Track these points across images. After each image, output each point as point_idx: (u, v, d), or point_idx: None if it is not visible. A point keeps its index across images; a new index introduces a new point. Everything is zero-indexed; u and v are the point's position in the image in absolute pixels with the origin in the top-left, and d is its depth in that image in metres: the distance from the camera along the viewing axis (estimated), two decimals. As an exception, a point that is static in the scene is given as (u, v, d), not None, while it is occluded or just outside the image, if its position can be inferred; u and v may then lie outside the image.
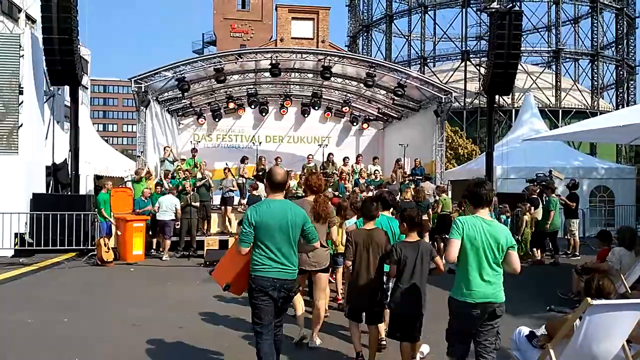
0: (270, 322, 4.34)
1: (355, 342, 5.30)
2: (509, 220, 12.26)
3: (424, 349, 5.53)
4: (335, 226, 5.89)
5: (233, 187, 14.12)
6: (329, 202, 5.90)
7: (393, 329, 4.92)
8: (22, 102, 13.02)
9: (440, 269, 4.98)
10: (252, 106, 20.29)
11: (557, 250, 12.13)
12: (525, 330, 4.51)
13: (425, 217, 12.39)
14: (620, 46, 45.85)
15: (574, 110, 41.18)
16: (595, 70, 44.91)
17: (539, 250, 12.08)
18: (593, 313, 3.75)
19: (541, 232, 12.12)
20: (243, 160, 16.35)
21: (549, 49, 45.50)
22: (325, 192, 8.53)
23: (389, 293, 5.11)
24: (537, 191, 13.49)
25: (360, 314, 5.21)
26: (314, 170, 10.38)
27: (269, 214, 4.33)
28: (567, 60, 47.55)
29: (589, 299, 3.75)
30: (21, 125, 12.81)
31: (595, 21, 44.68)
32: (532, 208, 12.22)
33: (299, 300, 5.84)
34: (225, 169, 15.58)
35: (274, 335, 4.42)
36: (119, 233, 11.81)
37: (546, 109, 38.51)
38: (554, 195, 12.30)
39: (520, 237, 11.95)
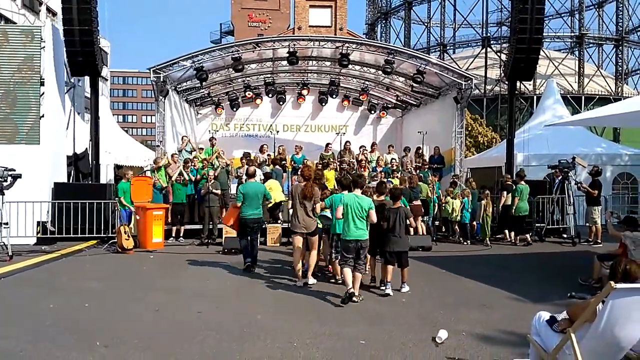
0: (247, 235, 9.22)
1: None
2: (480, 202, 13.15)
3: (442, 334, 5.50)
4: (318, 204, 8.21)
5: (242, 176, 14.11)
6: (315, 187, 8.36)
7: (389, 260, 7.70)
8: (43, 93, 13.19)
9: (412, 225, 8.70)
10: (270, 95, 20.27)
11: (522, 232, 12.87)
12: (545, 315, 4.41)
13: (418, 202, 12.82)
14: (646, 30, 44.71)
15: (598, 96, 40.32)
16: (619, 56, 43.87)
17: (512, 233, 13.01)
18: (617, 297, 3.65)
19: (513, 216, 12.88)
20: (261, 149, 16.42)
21: (572, 34, 44.57)
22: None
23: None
24: (560, 177, 13.39)
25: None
26: (308, 164, 12.15)
27: (248, 188, 9.22)
28: (591, 45, 46.48)
29: (612, 282, 3.65)
30: (43, 116, 12.99)
31: (620, 5, 43.56)
32: (505, 192, 13.05)
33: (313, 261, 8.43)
34: (242, 157, 15.61)
35: (251, 241, 9.28)
36: (137, 217, 12.03)
37: (569, 96, 37.76)
38: (522, 182, 12.91)
39: (480, 221, 13.03)
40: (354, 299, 7.05)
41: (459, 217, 13.33)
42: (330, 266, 8.93)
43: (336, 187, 9.90)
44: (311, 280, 8.25)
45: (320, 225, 8.55)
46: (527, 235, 12.84)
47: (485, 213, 12.86)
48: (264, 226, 10.54)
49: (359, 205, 7.18)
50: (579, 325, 3.88)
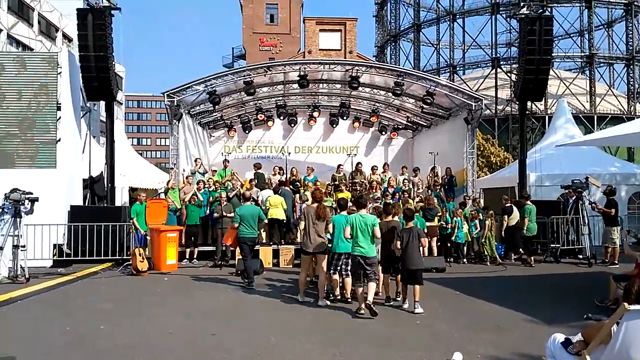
0: (249, 254, 10.10)
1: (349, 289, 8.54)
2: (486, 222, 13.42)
3: (457, 356, 5.46)
4: (330, 224, 8.50)
5: (256, 197, 14.18)
6: (327, 208, 8.88)
7: (404, 278, 8.15)
8: (59, 117, 13.46)
9: (424, 245, 8.62)
10: (281, 117, 20.51)
11: (529, 253, 12.89)
12: (560, 337, 4.39)
13: (433, 223, 12.92)
14: (657, 49, 44.56)
15: (610, 115, 40.11)
16: (631, 75, 43.73)
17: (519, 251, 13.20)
18: (631, 318, 3.65)
19: (525, 237, 13.14)
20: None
21: (582, 54, 44.56)
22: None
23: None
24: (574, 197, 13.31)
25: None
26: (318, 187, 12.84)
27: (245, 210, 10.10)
28: (601, 65, 46.41)
29: (625, 304, 3.65)
30: (59, 140, 13.23)
31: (630, 24, 43.59)
32: (505, 216, 13.13)
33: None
34: (251, 180, 15.74)
35: (252, 258, 10.28)
36: (148, 238, 12.20)
37: (580, 115, 37.57)
38: (528, 203, 13.27)
39: (484, 240, 13.19)
40: (361, 311, 7.56)
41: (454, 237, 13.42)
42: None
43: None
44: (323, 302, 8.39)
45: (330, 246, 8.73)
46: (532, 257, 12.79)
47: (490, 233, 13.02)
48: (259, 244, 11.68)
49: (363, 224, 7.78)
50: (594, 347, 3.87)
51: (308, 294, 8.78)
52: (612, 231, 12.71)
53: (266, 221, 11.57)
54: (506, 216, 13.10)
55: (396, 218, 8.74)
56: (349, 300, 8.42)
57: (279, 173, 16.25)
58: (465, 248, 13.46)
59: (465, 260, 13.19)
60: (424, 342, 6.31)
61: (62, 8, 36.48)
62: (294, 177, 16.12)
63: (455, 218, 13.26)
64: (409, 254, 8.02)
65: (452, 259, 13.08)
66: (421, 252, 8.38)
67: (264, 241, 13.47)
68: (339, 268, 8.34)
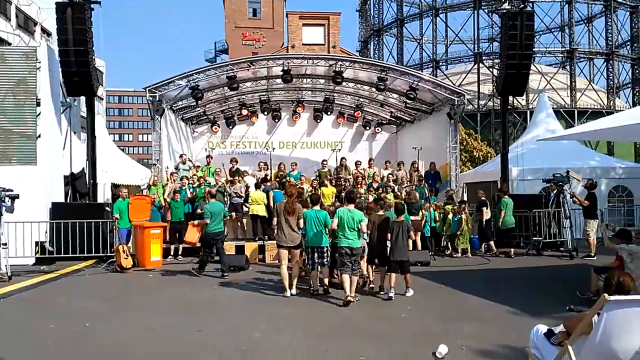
0: (212, 248, 10.73)
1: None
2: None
3: (442, 349, 5.52)
4: (302, 219, 8.65)
5: (241, 192, 14.15)
6: (297, 203, 8.96)
7: (393, 268, 8.48)
8: (39, 113, 13.23)
9: (412, 238, 9.82)
10: (265, 113, 20.43)
11: (510, 245, 13.23)
12: (543, 328, 4.47)
13: (418, 217, 13.04)
14: (635, 44, 45.24)
15: (590, 110, 40.68)
16: (610, 70, 44.38)
17: (491, 243, 13.57)
18: (611, 309, 3.71)
19: (497, 229, 13.61)
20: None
21: (563, 49, 45.10)
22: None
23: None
24: (555, 191, 13.50)
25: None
26: (292, 183, 13.22)
27: (214, 207, 10.74)
28: (582, 60, 47.03)
29: (606, 294, 3.71)
30: (39, 136, 13.01)
31: (610, 20, 44.22)
32: (484, 209, 13.53)
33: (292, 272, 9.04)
34: (234, 175, 15.69)
35: (218, 250, 10.79)
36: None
37: (561, 110, 38.07)
38: (506, 196, 13.50)
39: (460, 232, 13.33)
40: (349, 298, 7.91)
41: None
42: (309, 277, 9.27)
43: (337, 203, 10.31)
44: (294, 290, 8.77)
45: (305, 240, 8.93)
46: (512, 250, 13.11)
47: (467, 226, 13.29)
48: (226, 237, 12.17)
49: (351, 218, 8.17)
50: (576, 338, 3.93)
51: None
52: (587, 223, 12.92)
53: (228, 217, 12.33)
54: (484, 209, 13.42)
55: (381, 212, 8.99)
56: (327, 288, 8.77)
57: (263, 169, 16.21)
58: (446, 241, 13.75)
59: (432, 252, 13.19)
60: (409, 335, 6.38)
61: (40, 1, 35.77)
62: (281, 173, 16.10)
63: (425, 212, 13.41)
64: (399, 245, 8.47)
65: (432, 253, 13.13)
66: (409, 245, 8.73)
67: (245, 237, 13.57)
68: (315, 262, 8.51)
